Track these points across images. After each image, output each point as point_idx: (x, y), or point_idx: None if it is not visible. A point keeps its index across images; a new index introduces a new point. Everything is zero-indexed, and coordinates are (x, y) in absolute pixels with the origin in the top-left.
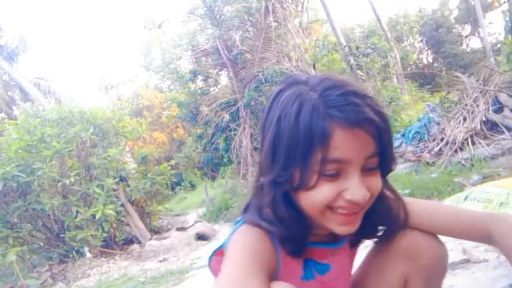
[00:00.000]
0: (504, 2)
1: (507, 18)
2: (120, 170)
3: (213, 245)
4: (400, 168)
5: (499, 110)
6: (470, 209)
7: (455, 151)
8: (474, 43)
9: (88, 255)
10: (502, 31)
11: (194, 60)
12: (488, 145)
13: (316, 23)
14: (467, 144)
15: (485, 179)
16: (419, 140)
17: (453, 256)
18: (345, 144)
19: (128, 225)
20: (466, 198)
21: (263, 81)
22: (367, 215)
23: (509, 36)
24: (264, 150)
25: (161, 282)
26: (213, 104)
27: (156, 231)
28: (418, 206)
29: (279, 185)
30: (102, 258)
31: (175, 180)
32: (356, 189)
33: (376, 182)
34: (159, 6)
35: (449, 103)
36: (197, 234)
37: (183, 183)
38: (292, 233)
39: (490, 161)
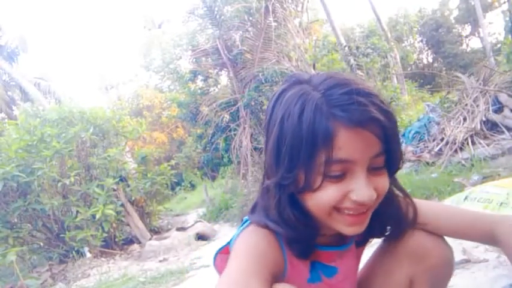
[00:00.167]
0: (504, 2)
1: (507, 18)
2: (120, 170)
3: (213, 245)
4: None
5: (499, 110)
6: (473, 210)
7: (455, 151)
8: (474, 43)
9: (88, 255)
10: (502, 31)
11: (194, 60)
12: (488, 145)
13: (316, 23)
14: (467, 144)
15: (485, 179)
16: (419, 140)
17: None
18: (349, 144)
19: (128, 225)
20: (466, 198)
21: (263, 81)
22: (375, 214)
23: (509, 36)
24: (268, 151)
25: (161, 282)
26: (213, 104)
27: (156, 231)
28: (423, 207)
29: (284, 187)
30: (102, 258)
31: (175, 180)
32: (362, 190)
33: (383, 181)
34: (159, 6)
35: (449, 103)
36: (197, 234)
37: (183, 183)
38: (299, 235)
39: (490, 161)
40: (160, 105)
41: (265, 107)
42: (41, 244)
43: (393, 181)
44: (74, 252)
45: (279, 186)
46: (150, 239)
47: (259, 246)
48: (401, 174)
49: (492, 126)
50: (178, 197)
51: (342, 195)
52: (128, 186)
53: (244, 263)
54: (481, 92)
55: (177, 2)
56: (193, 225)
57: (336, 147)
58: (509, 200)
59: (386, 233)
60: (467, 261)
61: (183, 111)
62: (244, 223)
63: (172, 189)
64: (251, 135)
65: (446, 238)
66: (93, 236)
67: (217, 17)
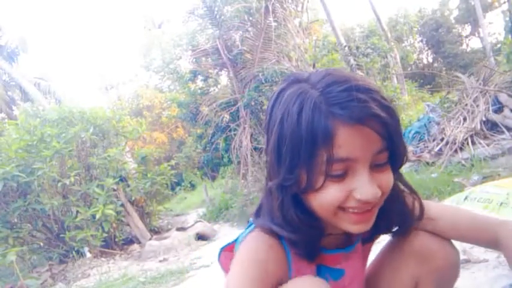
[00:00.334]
0: (504, 2)
1: (507, 18)
2: (120, 170)
3: (213, 245)
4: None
5: (499, 110)
6: (476, 213)
7: (455, 151)
8: (474, 43)
9: (88, 255)
10: (502, 31)
11: (194, 60)
12: (488, 145)
13: (316, 23)
14: (467, 144)
15: (485, 179)
16: (419, 140)
17: None
18: (349, 142)
19: (128, 225)
20: (466, 198)
21: (263, 81)
22: (381, 211)
23: (509, 36)
24: (269, 152)
25: (161, 282)
26: (213, 104)
27: (156, 231)
28: (432, 210)
29: (287, 188)
30: (102, 258)
31: (175, 180)
32: (366, 188)
33: (386, 178)
34: (159, 6)
35: (449, 103)
36: (197, 234)
37: (183, 183)
38: (303, 236)
39: (490, 161)
40: (160, 105)
41: (265, 107)
42: (41, 244)
43: (398, 177)
44: (74, 252)
45: (281, 188)
46: (150, 239)
47: (260, 256)
48: None
49: (492, 126)
50: (178, 197)
51: (346, 195)
52: (128, 186)
53: (245, 273)
54: (481, 92)
55: (177, 2)
56: (193, 225)
57: (337, 145)
58: (509, 200)
59: (393, 229)
60: (467, 261)
61: (183, 111)
62: (248, 226)
63: (172, 189)
64: (251, 135)
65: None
66: (93, 236)
67: (217, 17)
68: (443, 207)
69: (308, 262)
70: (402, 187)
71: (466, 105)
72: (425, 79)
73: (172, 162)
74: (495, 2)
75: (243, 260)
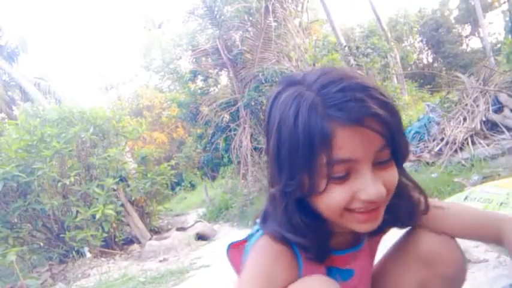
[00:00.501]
0: (504, 2)
1: (507, 18)
2: (120, 170)
3: (213, 245)
4: None
5: (499, 110)
6: (478, 209)
7: (455, 151)
8: (474, 43)
9: (88, 255)
10: (502, 31)
11: (194, 60)
12: (488, 145)
13: (316, 23)
14: (467, 144)
15: (485, 179)
16: (419, 140)
17: None
18: (349, 143)
19: (128, 225)
20: (466, 198)
21: (263, 81)
22: (387, 205)
23: (509, 36)
24: (269, 159)
25: (161, 282)
26: (213, 104)
27: (156, 231)
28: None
29: (289, 193)
30: (102, 258)
31: (175, 180)
32: (370, 188)
33: (391, 174)
34: (159, 6)
35: (449, 103)
36: (197, 234)
37: (183, 183)
38: (312, 240)
39: (490, 161)
40: (160, 105)
41: (265, 107)
42: (41, 244)
43: (402, 171)
44: (74, 252)
45: (284, 193)
46: (150, 239)
47: (268, 265)
48: None
49: (492, 126)
50: (178, 197)
51: (350, 196)
52: (128, 186)
53: (253, 284)
54: (481, 92)
55: (177, 2)
56: (193, 225)
57: (336, 147)
58: (509, 200)
59: (400, 224)
60: (467, 261)
61: (183, 111)
62: (256, 231)
63: (172, 189)
64: (251, 135)
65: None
66: (93, 236)
67: (217, 17)
68: (448, 204)
69: (318, 265)
70: (406, 181)
71: (466, 105)
72: (425, 79)
73: (172, 162)
74: (495, 2)
75: (251, 274)
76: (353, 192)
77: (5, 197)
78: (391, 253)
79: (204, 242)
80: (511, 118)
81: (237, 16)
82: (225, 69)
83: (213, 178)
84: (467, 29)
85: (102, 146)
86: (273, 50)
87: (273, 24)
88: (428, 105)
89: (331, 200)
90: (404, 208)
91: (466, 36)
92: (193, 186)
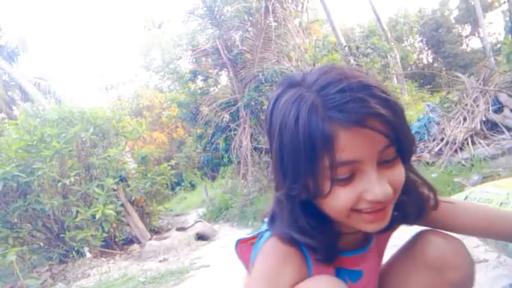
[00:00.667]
0: (504, 2)
1: (507, 18)
2: (120, 170)
3: (213, 245)
4: None
5: (499, 110)
6: (494, 208)
7: (455, 151)
8: (474, 43)
9: (88, 255)
10: (502, 31)
11: (194, 60)
12: (488, 145)
13: (316, 23)
14: (467, 144)
15: (485, 179)
16: (419, 140)
17: None
18: (351, 144)
19: (128, 225)
20: (466, 198)
21: (263, 81)
22: (397, 203)
23: (509, 36)
24: (273, 163)
25: (161, 282)
26: (213, 104)
27: (156, 231)
28: (449, 205)
29: (294, 196)
30: (102, 258)
31: (175, 180)
32: (376, 188)
33: (397, 173)
34: (159, 6)
35: (449, 103)
36: (197, 234)
37: (183, 183)
38: (320, 241)
39: (490, 161)
40: (160, 105)
41: (265, 107)
42: (41, 244)
43: (409, 168)
44: (74, 252)
45: (289, 197)
46: (150, 239)
47: (276, 267)
48: None
49: (492, 126)
50: (178, 197)
51: (356, 197)
52: (128, 186)
53: (261, 285)
54: (481, 92)
55: (177, 2)
56: (193, 225)
57: (338, 149)
58: (509, 200)
59: (409, 220)
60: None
61: (183, 111)
62: (264, 231)
63: (172, 189)
64: (251, 135)
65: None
66: (93, 236)
67: (217, 17)
68: (457, 200)
69: (327, 266)
70: (414, 177)
71: (466, 105)
72: (425, 79)
73: (172, 162)
74: (495, 2)
75: (260, 275)
76: (359, 193)
77: (5, 197)
78: (398, 256)
79: (204, 242)
80: (511, 118)
81: (237, 16)
82: (225, 69)
83: (213, 178)
84: (467, 29)
85: (102, 146)
86: (273, 50)
87: (273, 24)
88: (428, 105)
89: (336, 202)
90: (413, 204)
91: (466, 36)
92: (193, 186)
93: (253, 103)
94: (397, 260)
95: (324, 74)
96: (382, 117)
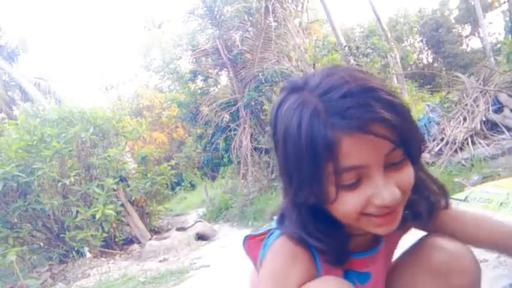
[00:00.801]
0: (504, 2)
1: (507, 18)
2: (120, 170)
3: (213, 245)
4: None
5: (499, 110)
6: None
7: (455, 151)
8: (474, 43)
9: (88, 255)
10: (502, 31)
11: (194, 60)
12: (488, 145)
13: (316, 23)
14: (467, 144)
15: (485, 179)
16: None
17: None
18: (356, 150)
19: (128, 225)
20: (466, 198)
21: (263, 81)
22: (407, 202)
23: (509, 36)
24: (279, 169)
25: (161, 282)
26: (213, 104)
27: (156, 231)
28: (459, 216)
29: (300, 204)
30: (102, 258)
31: (175, 180)
32: (383, 193)
33: (405, 175)
34: (159, 6)
35: (449, 103)
36: (197, 234)
37: (183, 183)
38: (328, 245)
39: (490, 161)
40: (160, 105)
41: (265, 107)
42: (41, 244)
43: (419, 167)
44: (74, 252)
45: (295, 204)
46: (150, 239)
47: (284, 266)
48: None
49: (492, 126)
50: (178, 197)
51: (364, 202)
52: (128, 186)
53: (269, 284)
54: (481, 92)
55: (177, 2)
56: (193, 225)
57: (342, 155)
58: (509, 200)
59: (420, 219)
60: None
61: (183, 111)
62: (275, 229)
63: (172, 189)
64: (251, 135)
65: None
66: (93, 236)
67: (217, 17)
68: (462, 210)
69: (336, 267)
70: (425, 176)
71: (466, 105)
72: (425, 79)
73: (172, 162)
74: (495, 2)
75: (268, 274)
76: (366, 197)
77: (5, 197)
78: (404, 259)
79: (204, 242)
80: (511, 118)
81: (237, 16)
82: (225, 69)
83: (213, 178)
84: (467, 29)
85: (102, 146)
86: (273, 50)
87: (273, 24)
88: (428, 105)
89: (344, 207)
90: (423, 203)
91: (466, 36)
92: (193, 186)
93: (253, 103)
94: (403, 264)
95: (326, 78)
96: (387, 121)
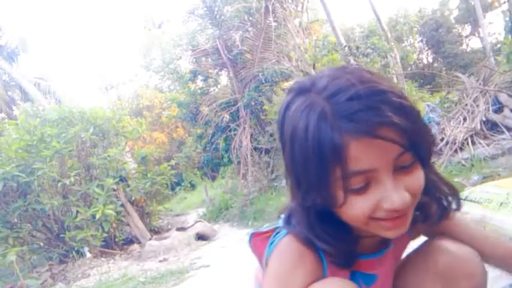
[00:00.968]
0: (504, 2)
1: (507, 18)
2: (120, 170)
3: (213, 245)
4: None
5: (499, 110)
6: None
7: (455, 151)
8: (474, 43)
9: (88, 255)
10: (502, 31)
11: (194, 60)
12: (488, 145)
13: (316, 23)
14: (467, 144)
15: (485, 179)
16: None
17: None
18: (364, 154)
19: (128, 225)
20: (466, 198)
21: (263, 81)
22: (418, 204)
23: (509, 36)
24: (287, 172)
25: (161, 282)
26: (213, 104)
27: (156, 231)
28: (468, 230)
29: (308, 208)
30: (102, 258)
31: (175, 180)
32: (393, 196)
33: (415, 178)
34: (159, 6)
35: (449, 103)
36: (197, 234)
37: (183, 183)
38: (335, 249)
39: (490, 161)
40: (160, 105)
41: (265, 107)
42: (41, 244)
43: (429, 169)
44: (74, 252)
45: (303, 208)
46: (150, 239)
47: (291, 265)
48: None
49: (492, 126)
50: (178, 197)
51: (373, 206)
52: (128, 186)
53: (275, 283)
54: (481, 92)
55: (177, 2)
56: (193, 225)
57: (350, 159)
58: (509, 200)
59: (431, 221)
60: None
61: (183, 111)
62: (282, 227)
63: (172, 189)
64: (251, 135)
65: None
66: (93, 236)
67: (217, 17)
68: (478, 229)
69: (343, 269)
70: (435, 178)
71: (466, 105)
72: (425, 79)
73: (172, 162)
74: (495, 2)
75: (274, 275)
76: (376, 201)
77: (5, 197)
78: (410, 263)
79: (204, 242)
80: (511, 118)
81: (237, 16)
82: (225, 69)
83: (213, 178)
84: (467, 29)
85: (102, 146)
86: (273, 50)
87: (273, 24)
88: (428, 105)
89: (353, 211)
90: (434, 205)
91: (466, 36)
92: (193, 186)
93: (253, 103)
94: (409, 267)
95: (334, 80)
96: (396, 125)
